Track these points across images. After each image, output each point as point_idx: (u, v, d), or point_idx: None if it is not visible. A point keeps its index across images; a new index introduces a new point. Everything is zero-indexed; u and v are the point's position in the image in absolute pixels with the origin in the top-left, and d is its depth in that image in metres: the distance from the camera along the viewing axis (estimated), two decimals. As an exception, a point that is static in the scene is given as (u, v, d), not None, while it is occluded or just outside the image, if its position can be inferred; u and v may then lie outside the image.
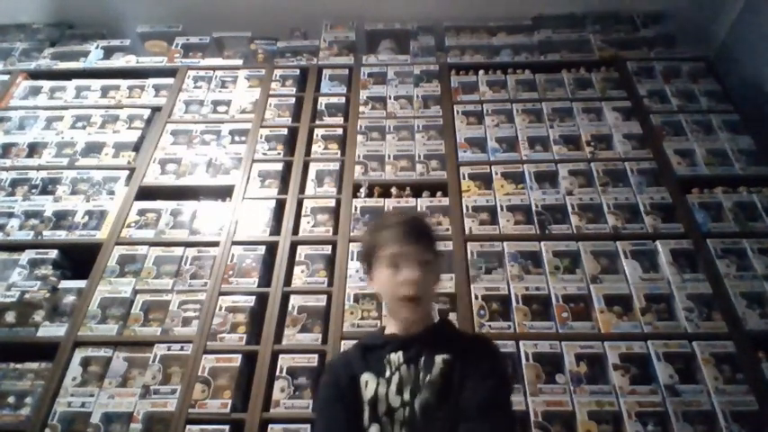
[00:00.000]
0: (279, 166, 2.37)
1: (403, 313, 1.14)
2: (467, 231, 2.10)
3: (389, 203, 2.20)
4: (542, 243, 2.03)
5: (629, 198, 2.16)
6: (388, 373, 1.09)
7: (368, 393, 1.08)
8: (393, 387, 1.07)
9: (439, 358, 1.08)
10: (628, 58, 2.70)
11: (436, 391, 1.04)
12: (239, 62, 2.86)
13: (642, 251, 2.00)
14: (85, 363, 1.86)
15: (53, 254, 2.14)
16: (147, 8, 3.10)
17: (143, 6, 3.10)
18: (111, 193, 2.32)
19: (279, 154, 2.42)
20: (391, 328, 1.20)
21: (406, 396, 1.05)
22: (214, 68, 2.80)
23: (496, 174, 2.26)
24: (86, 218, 2.24)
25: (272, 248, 2.12)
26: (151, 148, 2.46)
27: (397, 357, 1.11)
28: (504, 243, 2.04)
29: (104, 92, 2.74)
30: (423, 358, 1.09)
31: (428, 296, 1.17)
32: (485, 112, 2.50)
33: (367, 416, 1.06)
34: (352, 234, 2.11)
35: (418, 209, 2.17)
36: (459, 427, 1.00)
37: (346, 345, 1.81)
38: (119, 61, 2.88)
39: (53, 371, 1.84)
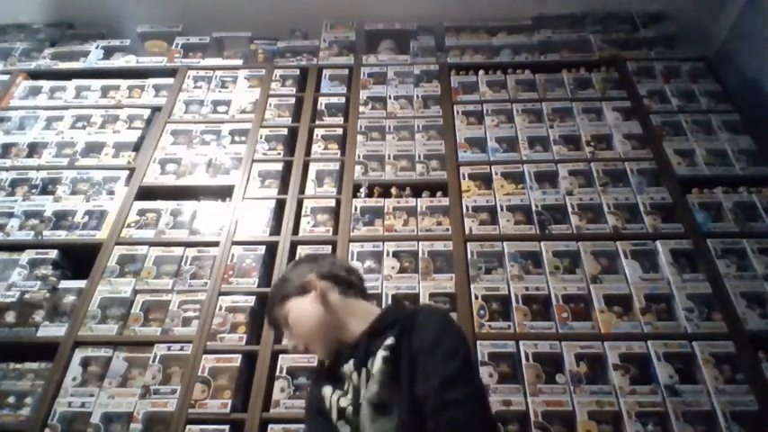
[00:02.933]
0: (279, 166, 2.37)
1: None
2: (467, 231, 2.09)
3: (389, 203, 2.19)
4: (542, 243, 2.03)
5: (629, 198, 2.16)
6: (345, 385, 1.10)
7: (327, 404, 1.10)
8: (349, 395, 1.07)
9: (381, 351, 1.05)
10: (628, 58, 2.70)
11: (381, 381, 1.02)
12: (239, 62, 2.86)
13: (642, 251, 2.00)
14: (85, 363, 1.86)
15: (53, 254, 2.14)
16: (147, 8, 3.10)
17: (143, 6, 3.10)
18: (111, 193, 2.32)
19: (279, 154, 2.42)
20: (345, 335, 1.19)
21: (355, 397, 1.05)
22: (214, 68, 2.80)
23: (496, 174, 2.26)
24: (86, 218, 2.24)
25: (272, 248, 2.12)
26: (151, 148, 2.46)
27: (348, 368, 1.10)
28: (504, 243, 2.04)
29: (104, 92, 2.74)
30: (370, 358, 1.07)
31: (312, 340, 1.19)
32: (485, 112, 2.50)
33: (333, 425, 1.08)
34: (351, 234, 2.11)
35: (418, 209, 2.17)
36: (426, 422, 0.94)
37: (346, 345, 1.81)
38: (119, 61, 2.88)
39: (53, 371, 1.84)
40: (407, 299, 1.89)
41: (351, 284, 1.28)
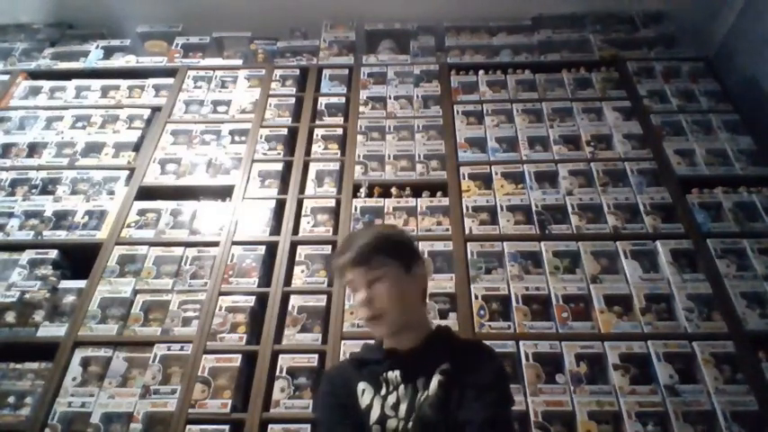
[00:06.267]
0: (279, 166, 2.37)
1: (373, 333, 1.15)
2: (467, 231, 2.09)
3: (389, 203, 2.19)
4: (542, 243, 2.03)
5: (629, 198, 2.16)
6: (384, 391, 1.09)
7: (364, 401, 1.09)
8: (389, 402, 1.07)
9: (437, 375, 1.07)
10: (628, 58, 2.70)
11: (435, 405, 1.03)
12: (239, 62, 2.86)
13: (642, 251, 2.00)
14: (85, 363, 1.87)
15: (53, 254, 2.14)
16: (147, 8, 3.09)
17: (143, 6, 3.10)
18: (111, 193, 2.32)
19: (279, 154, 2.42)
20: (388, 342, 1.17)
21: (402, 412, 1.05)
22: (214, 68, 2.80)
23: (496, 174, 2.26)
24: (86, 218, 2.24)
25: (272, 248, 2.12)
26: (151, 148, 2.46)
27: (395, 376, 1.10)
28: (504, 243, 2.04)
29: (104, 92, 2.74)
30: (421, 377, 1.08)
31: (394, 310, 1.09)
32: (485, 112, 2.50)
33: (365, 423, 1.07)
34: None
35: (418, 209, 2.17)
36: None
37: (346, 345, 1.81)
38: (119, 61, 2.88)
39: (53, 371, 1.84)
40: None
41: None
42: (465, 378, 1.06)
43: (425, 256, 2.02)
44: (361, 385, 1.11)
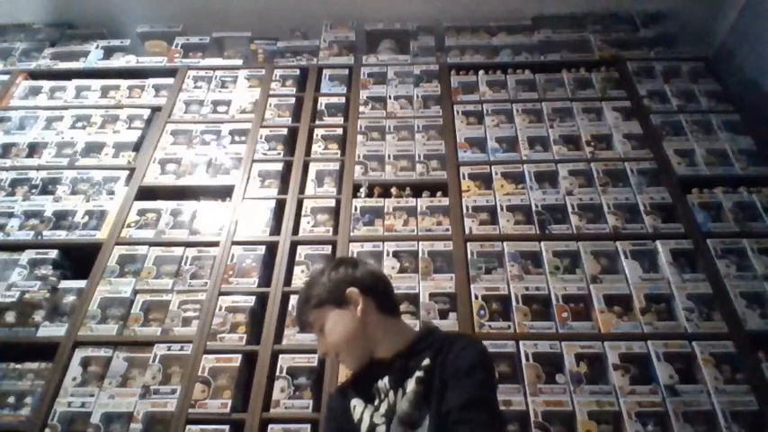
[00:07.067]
0: (279, 166, 2.37)
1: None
2: (467, 231, 2.09)
3: (389, 203, 2.19)
4: (542, 243, 2.03)
5: (629, 198, 2.16)
6: (377, 401, 1.12)
7: (356, 416, 1.11)
8: (381, 411, 1.09)
9: (417, 371, 1.08)
10: (628, 58, 2.70)
11: (413, 401, 1.04)
12: (239, 62, 2.86)
13: (642, 251, 2.00)
14: (85, 363, 1.86)
15: (53, 254, 2.14)
16: (147, 8, 3.10)
17: (143, 6, 3.10)
18: (111, 193, 2.32)
19: (279, 154, 2.42)
20: (378, 351, 1.20)
21: (389, 415, 1.07)
22: (214, 68, 2.80)
23: (496, 174, 2.26)
24: (86, 218, 2.24)
25: (272, 248, 2.12)
26: (151, 148, 2.46)
27: (383, 384, 1.12)
28: (504, 243, 2.04)
29: (104, 92, 2.74)
30: (408, 379, 1.09)
31: (342, 346, 1.19)
32: (485, 112, 2.50)
33: None
34: (352, 234, 2.11)
35: (418, 209, 2.17)
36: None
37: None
38: (119, 61, 2.88)
39: (53, 371, 1.84)
40: (407, 299, 1.90)
41: (388, 299, 1.25)
42: (445, 369, 1.06)
43: (425, 255, 2.02)
44: (354, 402, 1.14)
